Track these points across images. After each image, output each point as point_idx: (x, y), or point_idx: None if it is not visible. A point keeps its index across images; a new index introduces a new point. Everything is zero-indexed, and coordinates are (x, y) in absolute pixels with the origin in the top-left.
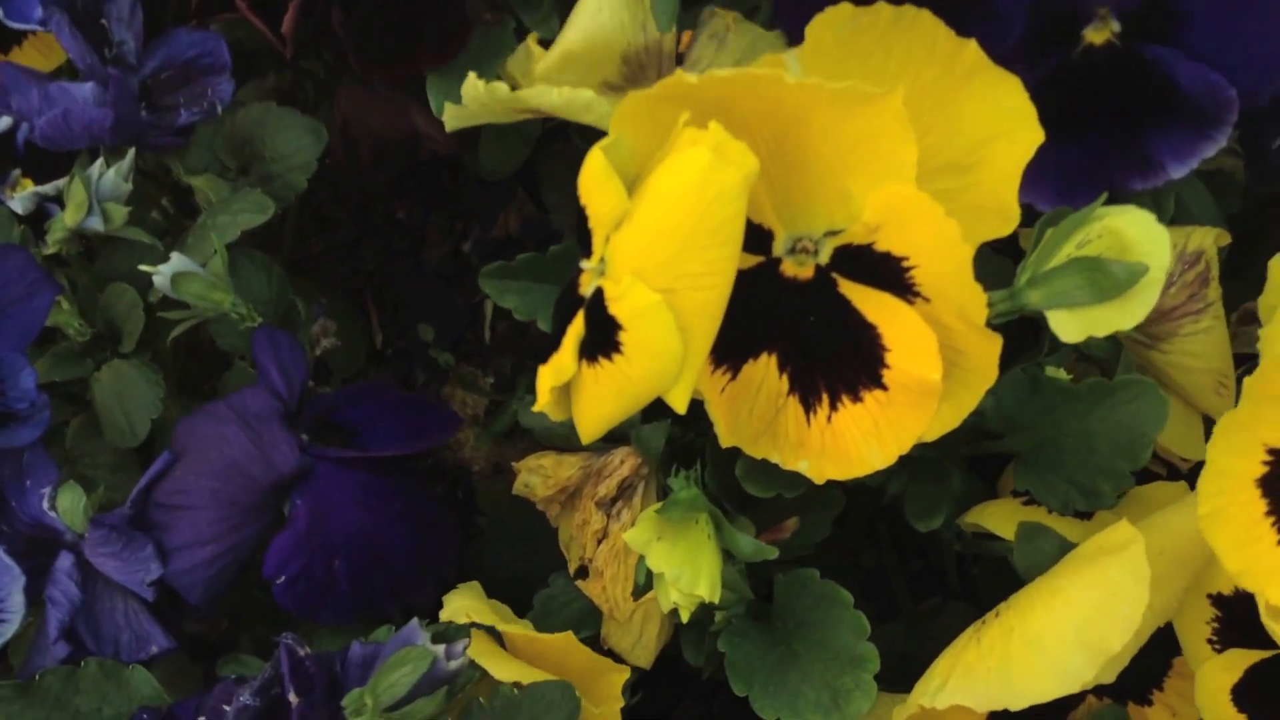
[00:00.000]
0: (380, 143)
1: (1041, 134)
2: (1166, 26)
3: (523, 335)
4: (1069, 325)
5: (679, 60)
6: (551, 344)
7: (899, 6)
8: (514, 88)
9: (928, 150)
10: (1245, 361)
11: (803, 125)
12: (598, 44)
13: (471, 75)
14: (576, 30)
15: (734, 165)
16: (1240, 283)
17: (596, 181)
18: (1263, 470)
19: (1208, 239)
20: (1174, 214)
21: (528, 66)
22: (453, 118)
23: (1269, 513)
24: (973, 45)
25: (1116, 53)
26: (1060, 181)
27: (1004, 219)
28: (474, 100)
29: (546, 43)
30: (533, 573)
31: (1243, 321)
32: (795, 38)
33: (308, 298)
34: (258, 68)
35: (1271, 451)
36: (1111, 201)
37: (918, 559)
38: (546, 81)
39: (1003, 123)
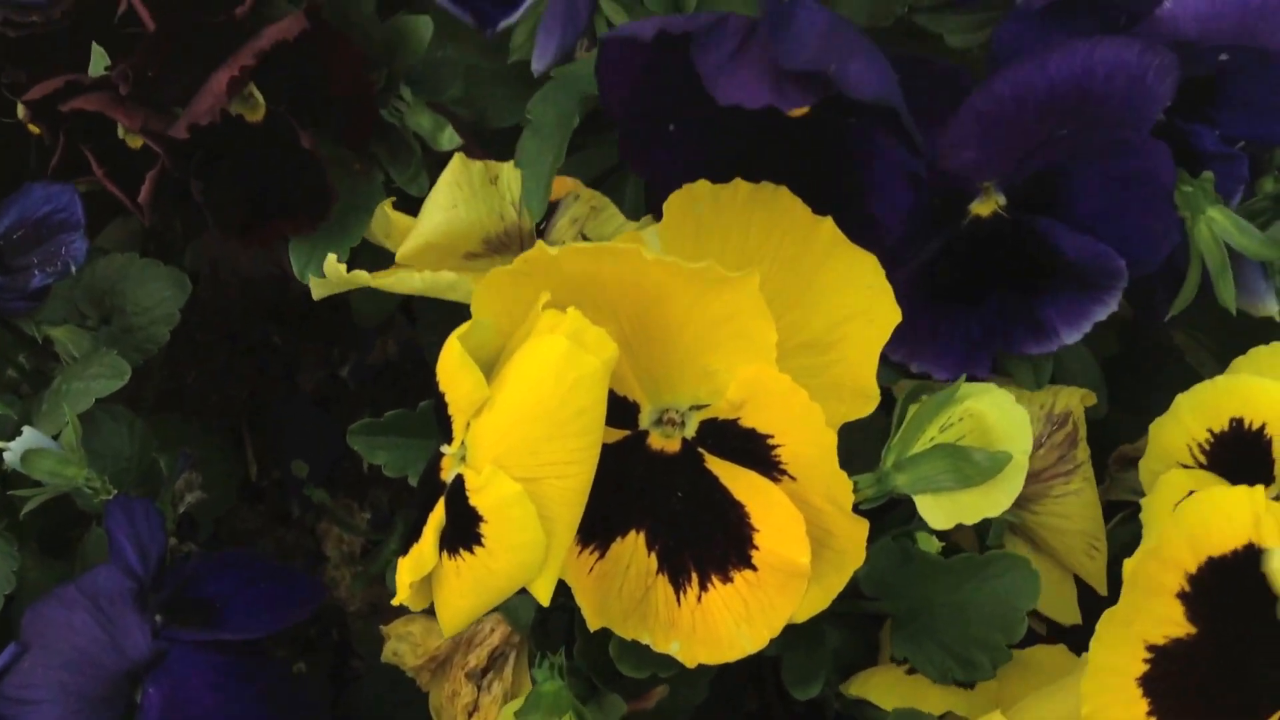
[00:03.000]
0: (250, 283)
1: (899, 314)
2: (1051, 199)
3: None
4: (936, 512)
5: (541, 237)
6: (412, 532)
7: (757, 184)
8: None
9: (790, 327)
10: (1123, 508)
11: (664, 302)
12: (455, 234)
13: (331, 258)
14: (431, 225)
15: (593, 352)
16: (1119, 420)
17: (454, 370)
18: (1144, 669)
19: (1074, 399)
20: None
21: (389, 228)
22: (318, 287)
23: (1151, 713)
24: (828, 223)
25: (1004, 224)
26: (959, 351)
27: (865, 399)
28: (336, 278)
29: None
30: (412, 718)
31: (1120, 465)
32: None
33: (175, 441)
34: (121, 207)
35: (1152, 649)
36: (1003, 360)
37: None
38: (407, 263)
39: (861, 301)
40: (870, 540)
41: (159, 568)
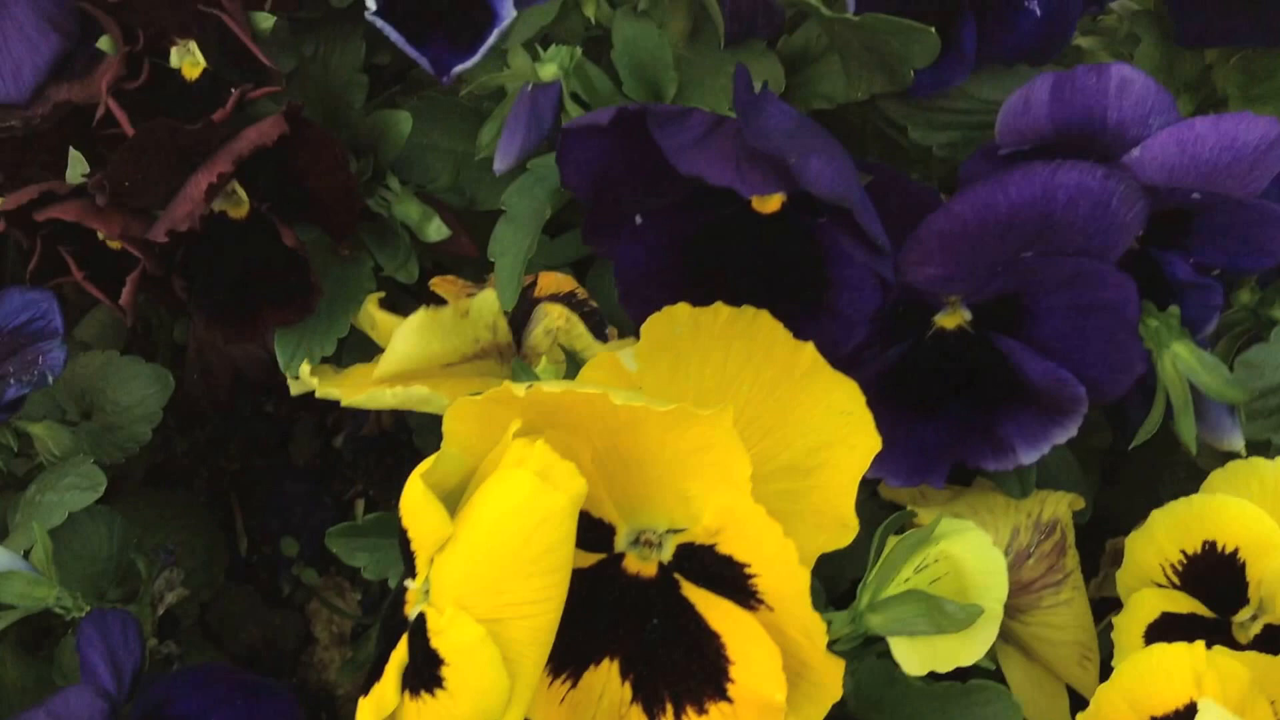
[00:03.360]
0: (237, 369)
1: (879, 442)
2: (1015, 319)
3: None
4: (911, 656)
5: (518, 345)
6: (374, 670)
7: (737, 308)
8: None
9: (767, 450)
10: (1116, 607)
11: (637, 431)
12: (429, 360)
13: (305, 367)
14: (404, 355)
15: (561, 488)
16: (1115, 504)
17: (417, 507)
18: None
19: (1062, 505)
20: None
21: (373, 324)
22: (295, 386)
23: None
24: (809, 349)
25: (968, 338)
26: (915, 459)
27: (844, 528)
28: (311, 386)
29: (398, 287)
30: None
31: (1112, 561)
32: (632, 303)
33: (162, 518)
34: None
35: None
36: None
37: None
38: (385, 380)
39: (841, 428)
40: (857, 658)
41: (134, 683)
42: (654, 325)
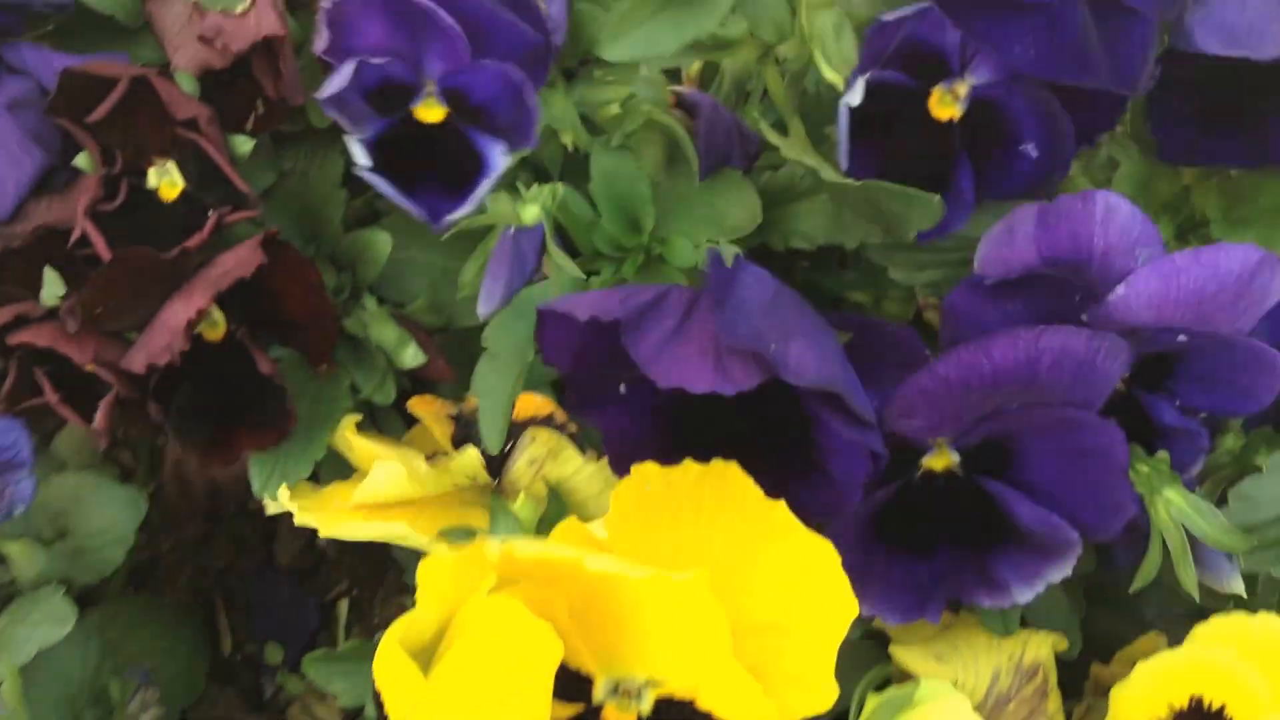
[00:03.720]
0: (214, 485)
1: (856, 606)
2: (1004, 463)
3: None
4: None
5: (498, 475)
6: None
7: (707, 464)
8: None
9: (745, 607)
10: None
11: (612, 590)
12: (410, 496)
13: (284, 490)
14: (380, 494)
15: (535, 648)
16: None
17: (389, 669)
18: None
19: (1045, 647)
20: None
21: (349, 448)
22: (274, 507)
23: None
24: (782, 507)
25: (957, 480)
26: (909, 596)
27: (823, 692)
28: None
29: (376, 410)
30: None
31: (1096, 691)
32: (622, 469)
33: (144, 622)
34: None
35: None
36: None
37: None
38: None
39: (816, 589)
40: None
41: None
42: (624, 492)
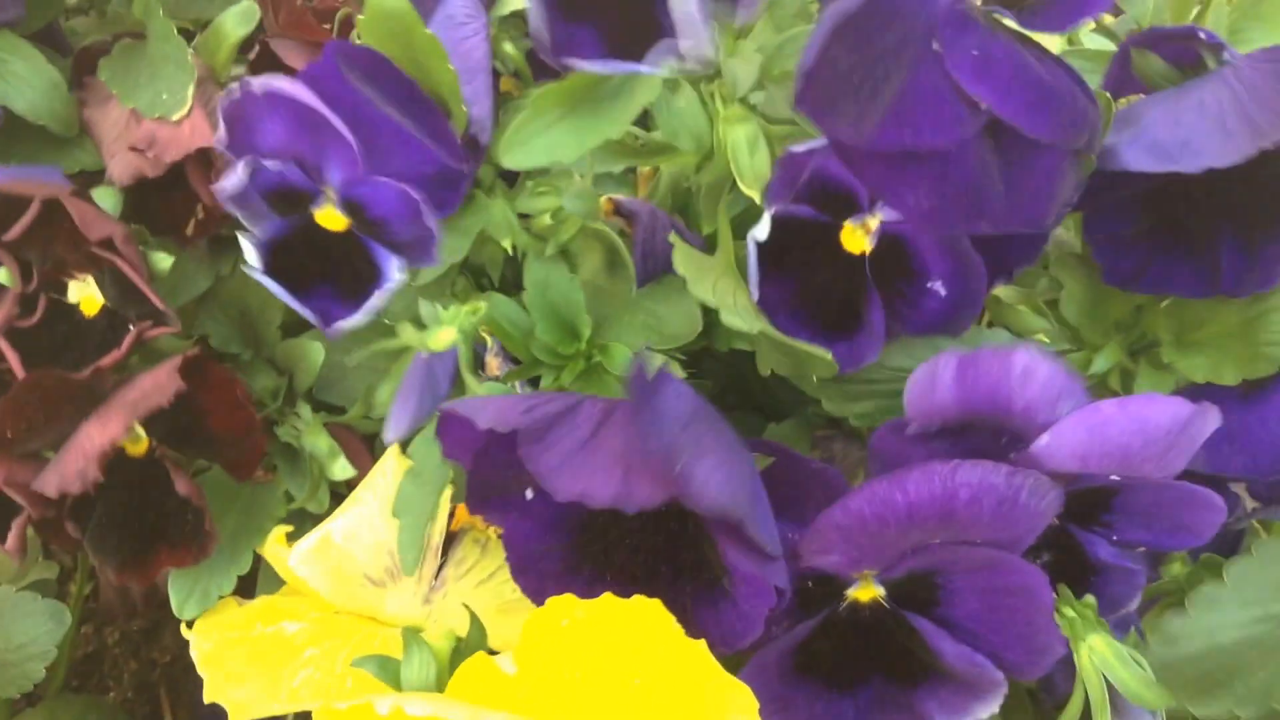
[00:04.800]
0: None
1: None
2: (930, 598)
3: None
4: None
5: (444, 554)
6: None
7: (625, 600)
8: None
9: None
10: None
11: None
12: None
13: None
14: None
15: None
16: None
17: None
18: None
19: None
20: None
21: (278, 557)
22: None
23: None
24: (701, 647)
25: (884, 613)
26: None
27: None
28: None
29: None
30: None
31: None
32: (522, 576)
33: None
34: None
35: None
36: None
37: None
38: None
39: None
40: None
41: None
42: (535, 624)
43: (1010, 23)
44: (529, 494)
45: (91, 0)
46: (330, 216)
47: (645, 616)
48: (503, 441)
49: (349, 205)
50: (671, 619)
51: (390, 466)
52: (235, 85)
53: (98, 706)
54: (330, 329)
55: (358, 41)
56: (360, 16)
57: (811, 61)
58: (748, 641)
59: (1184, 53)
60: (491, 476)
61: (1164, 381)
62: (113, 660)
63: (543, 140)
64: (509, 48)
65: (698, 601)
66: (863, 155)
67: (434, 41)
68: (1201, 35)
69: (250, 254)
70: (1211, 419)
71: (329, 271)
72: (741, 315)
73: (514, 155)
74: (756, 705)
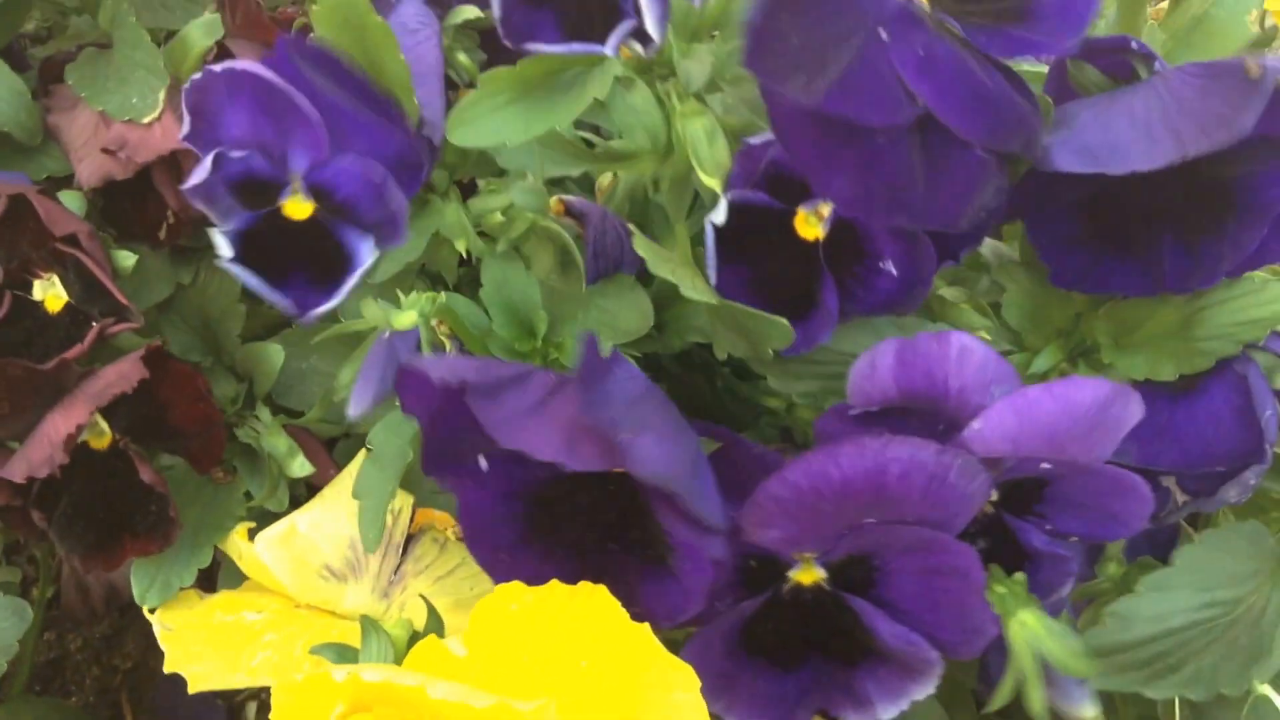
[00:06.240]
0: (112, 588)
1: None
2: (868, 579)
3: None
4: None
5: (404, 552)
6: None
7: (574, 585)
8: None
9: None
10: None
11: (458, 716)
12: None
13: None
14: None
15: None
16: None
17: None
18: None
19: None
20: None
21: (240, 554)
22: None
23: None
24: (645, 630)
25: (824, 595)
26: (775, 711)
27: None
28: None
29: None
30: None
31: None
32: (474, 544)
33: None
34: None
35: None
36: None
37: None
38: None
39: (676, 713)
40: None
41: None
42: (485, 608)
43: (956, 29)
44: (483, 462)
45: (50, 27)
46: (298, 205)
47: (591, 601)
48: (459, 404)
49: (316, 190)
50: (616, 604)
51: (356, 469)
52: (198, 74)
53: (60, 709)
54: (305, 316)
55: (312, 39)
56: (314, 6)
57: (758, 19)
58: (689, 615)
59: (1118, 64)
60: (447, 438)
61: None
62: (75, 666)
63: (491, 121)
64: (463, 58)
65: (643, 577)
66: (798, 137)
67: (386, 30)
68: (1134, 46)
69: (221, 245)
70: (1133, 402)
71: (301, 260)
72: (699, 291)
73: (461, 132)
74: (698, 684)
